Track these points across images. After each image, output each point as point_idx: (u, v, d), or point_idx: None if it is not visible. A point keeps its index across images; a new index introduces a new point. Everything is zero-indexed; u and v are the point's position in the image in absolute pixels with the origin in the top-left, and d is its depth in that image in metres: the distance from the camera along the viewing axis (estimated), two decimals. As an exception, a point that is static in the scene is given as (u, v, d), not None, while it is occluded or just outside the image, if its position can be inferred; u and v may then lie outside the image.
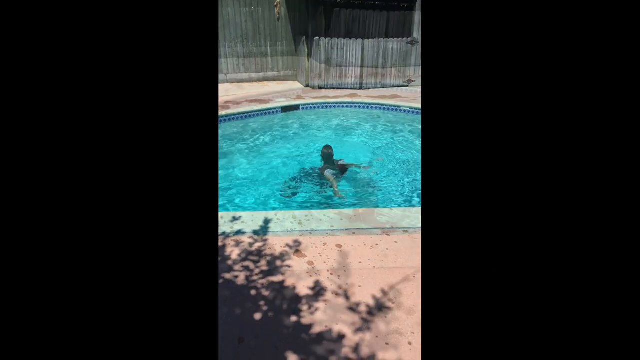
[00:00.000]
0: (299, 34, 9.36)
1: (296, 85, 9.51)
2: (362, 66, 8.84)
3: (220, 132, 6.27)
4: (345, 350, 1.89)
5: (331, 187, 4.15)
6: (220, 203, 4.04)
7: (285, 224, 3.03)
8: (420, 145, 5.28)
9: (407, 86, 9.23)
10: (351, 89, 9.04)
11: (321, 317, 2.09)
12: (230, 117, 6.63)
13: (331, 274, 2.46)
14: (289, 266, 2.52)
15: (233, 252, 2.65)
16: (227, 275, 2.42)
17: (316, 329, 2.01)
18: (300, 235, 2.88)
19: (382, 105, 7.67)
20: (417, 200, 4.05)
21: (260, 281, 2.37)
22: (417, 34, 8.89)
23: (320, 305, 2.19)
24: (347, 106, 7.79)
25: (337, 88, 9.00)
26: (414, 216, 3.19)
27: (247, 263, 2.53)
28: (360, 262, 2.57)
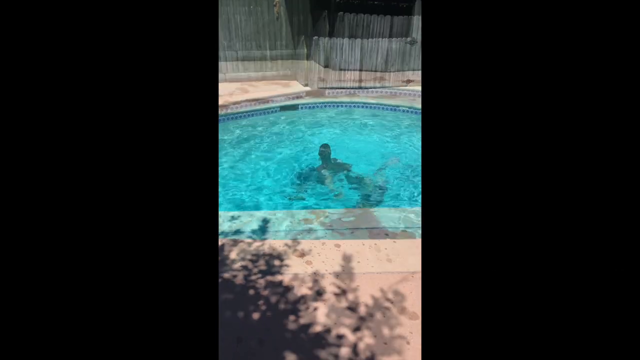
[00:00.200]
0: (298, 34, 9.13)
1: (295, 85, 9.29)
2: (361, 67, 8.58)
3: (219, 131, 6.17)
4: (346, 351, 1.89)
5: (330, 185, 4.08)
6: (219, 203, 4.00)
7: (284, 224, 3.03)
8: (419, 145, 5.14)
9: (406, 87, 8.96)
10: (351, 88, 8.81)
11: (322, 320, 2.08)
12: (229, 117, 6.61)
13: (331, 275, 2.44)
14: (288, 266, 2.50)
15: (231, 252, 2.64)
16: (226, 276, 2.42)
17: (317, 330, 2.01)
18: (299, 235, 2.90)
19: (382, 105, 7.58)
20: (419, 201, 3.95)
21: (259, 282, 2.36)
22: (418, 37, 8.61)
23: (320, 306, 2.17)
24: (347, 106, 7.71)
25: (337, 89, 8.79)
26: (414, 217, 3.20)
27: (246, 263, 2.52)
28: (359, 263, 2.55)
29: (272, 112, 7.09)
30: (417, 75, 8.80)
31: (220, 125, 6.20)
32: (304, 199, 4.01)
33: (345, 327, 2.04)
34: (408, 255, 2.61)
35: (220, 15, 8.57)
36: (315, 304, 2.18)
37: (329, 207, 3.81)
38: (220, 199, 3.94)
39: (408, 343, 1.95)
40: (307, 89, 7.24)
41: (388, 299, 2.24)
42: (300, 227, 2.97)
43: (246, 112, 6.81)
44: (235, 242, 2.72)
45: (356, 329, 2.03)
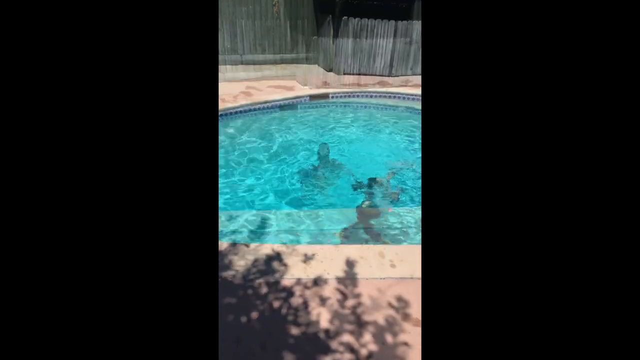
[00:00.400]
0: (322, 13, 9.10)
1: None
2: (392, 51, 8.58)
3: (243, 123, 6.13)
4: (348, 357, 1.86)
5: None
6: (231, 201, 3.98)
7: (287, 224, 3.04)
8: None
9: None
10: (380, 75, 8.76)
11: (325, 325, 2.07)
12: (255, 107, 6.49)
13: (334, 280, 2.42)
14: (290, 271, 2.48)
15: (234, 256, 2.63)
16: (228, 279, 2.40)
17: (319, 336, 2.00)
18: (302, 239, 2.93)
19: (414, 95, 7.39)
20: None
21: (262, 286, 2.34)
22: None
23: (322, 311, 2.16)
24: (379, 96, 7.56)
25: (364, 74, 8.74)
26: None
27: (248, 267, 2.51)
28: (362, 268, 2.53)
29: (300, 101, 7.05)
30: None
31: (242, 117, 6.17)
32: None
33: (348, 333, 2.02)
34: (412, 261, 2.59)
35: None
36: (317, 309, 2.17)
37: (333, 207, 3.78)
38: (231, 198, 3.93)
39: (411, 350, 1.93)
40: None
41: (392, 305, 2.22)
42: (305, 228, 2.94)
43: (270, 101, 6.74)
44: (238, 245, 2.71)
45: (359, 335, 2.01)
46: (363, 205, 3.79)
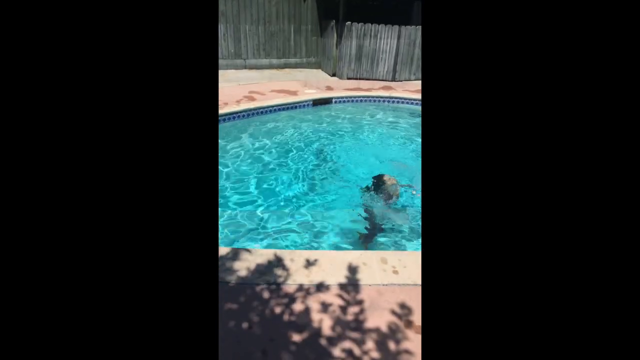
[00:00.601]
0: (325, 18, 9.17)
1: (321, 74, 9.32)
2: (396, 55, 8.59)
3: (247, 128, 6.12)
4: None
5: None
6: (239, 207, 3.96)
7: (292, 235, 3.01)
8: None
9: None
10: (383, 80, 8.78)
11: (327, 332, 2.05)
12: (257, 111, 6.49)
13: (336, 286, 2.40)
14: (293, 276, 2.47)
15: (236, 261, 2.61)
16: (230, 285, 2.39)
17: (321, 343, 1.98)
18: (305, 245, 2.89)
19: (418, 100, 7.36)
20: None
21: (264, 292, 2.33)
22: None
23: (324, 317, 2.14)
24: (383, 100, 7.56)
25: (368, 79, 8.76)
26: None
27: (250, 273, 2.49)
28: (365, 274, 2.51)
29: (303, 106, 7.07)
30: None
31: (246, 121, 6.18)
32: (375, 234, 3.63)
33: (351, 340, 2.00)
34: (415, 267, 2.57)
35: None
36: (319, 315, 2.15)
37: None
38: (239, 203, 3.92)
39: (414, 358, 1.91)
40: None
41: (394, 312, 2.20)
42: (308, 239, 2.92)
43: (275, 105, 6.73)
44: (239, 250, 2.69)
45: (361, 342, 1.99)
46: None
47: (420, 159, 5.14)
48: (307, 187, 4.39)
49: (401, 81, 8.85)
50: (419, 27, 8.46)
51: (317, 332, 2.04)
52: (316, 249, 3.21)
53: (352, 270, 2.52)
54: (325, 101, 7.33)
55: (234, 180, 4.41)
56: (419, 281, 2.44)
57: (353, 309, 2.21)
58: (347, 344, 1.98)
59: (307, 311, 2.18)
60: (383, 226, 3.56)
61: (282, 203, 4.00)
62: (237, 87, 7.55)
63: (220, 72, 8.58)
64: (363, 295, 2.32)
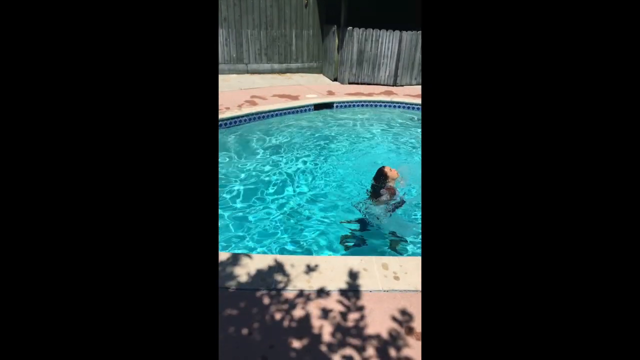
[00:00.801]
0: (327, 23, 9.20)
1: (323, 79, 9.35)
2: (397, 60, 8.61)
3: (248, 132, 6.12)
4: None
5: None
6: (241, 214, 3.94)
7: (292, 240, 3.02)
8: None
9: None
10: (384, 84, 8.80)
11: (327, 338, 2.04)
12: (259, 116, 6.51)
13: (336, 292, 2.39)
14: (293, 282, 2.46)
15: (236, 267, 2.60)
16: (230, 291, 2.38)
17: (322, 350, 1.97)
18: (305, 251, 2.87)
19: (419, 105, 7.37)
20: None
21: (264, 298, 2.32)
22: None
23: (325, 324, 2.13)
24: (384, 105, 7.56)
25: (369, 84, 8.79)
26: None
27: (250, 279, 2.48)
28: (366, 280, 2.49)
29: (304, 110, 7.08)
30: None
31: (248, 126, 6.21)
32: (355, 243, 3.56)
33: (351, 346, 1.99)
34: (416, 274, 2.55)
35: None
36: (320, 322, 2.14)
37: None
38: (240, 209, 3.92)
39: None
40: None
41: (395, 319, 2.18)
42: (308, 246, 2.91)
43: (276, 110, 6.75)
44: (240, 256, 2.68)
45: (362, 349, 1.98)
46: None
47: (419, 163, 5.14)
48: (307, 191, 4.39)
49: (402, 86, 8.85)
50: (420, 32, 8.49)
51: (317, 339, 2.03)
52: (317, 254, 3.20)
53: (353, 276, 2.51)
54: (327, 106, 7.33)
55: (234, 184, 4.41)
56: (420, 287, 2.42)
57: (353, 315, 2.20)
58: (347, 351, 1.96)
59: (307, 317, 2.17)
60: (383, 230, 3.55)
61: (282, 207, 3.99)
62: (239, 92, 7.58)
63: (222, 77, 8.62)
64: (364, 301, 2.31)
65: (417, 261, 2.71)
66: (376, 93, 8.07)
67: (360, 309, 2.25)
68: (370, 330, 2.10)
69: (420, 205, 3.79)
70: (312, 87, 8.38)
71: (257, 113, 6.45)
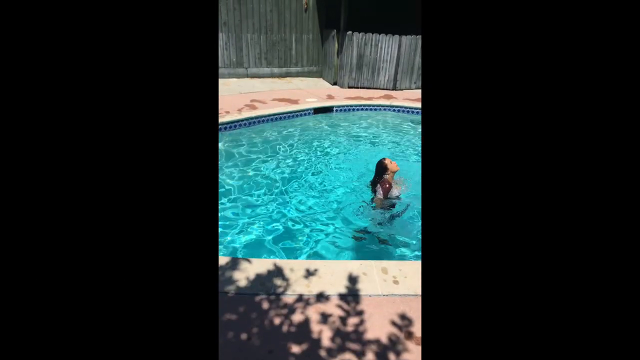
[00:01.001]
0: (327, 28, 9.24)
1: (323, 83, 9.37)
2: (397, 65, 8.65)
3: (248, 136, 6.13)
4: None
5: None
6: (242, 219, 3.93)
7: (291, 244, 2.99)
8: None
9: None
10: (384, 89, 8.83)
11: (326, 343, 2.03)
12: (259, 119, 6.51)
13: (336, 296, 2.38)
14: (292, 287, 2.45)
15: (235, 271, 2.59)
16: (229, 295, 2.37)
17: (321, 355, 1.96)
18: (304, 255, 2.85)
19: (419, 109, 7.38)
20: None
21: (263, 302, 2.31)
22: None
23: (324, 329, 2.12)
24: (384, 109, 7.59)
25: (369, 88, 8.81)
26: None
27: (249, 283, 2.47)
28: (365, 284, 2.48)
29: (305, 114, 7.10)
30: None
31: (249, 129, 6.23)
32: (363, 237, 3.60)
33: (350, 351, 1.98)
34: (416, 278, 2.55)
35: (243, 3, 8.70)
36: (319, 326, 2.13)
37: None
38: (242, 215, 3.92)
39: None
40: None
41: (395, 323, 2.17)
42: (307, 249, 2.90)
43: (276, 114, 6.77)
44: (239, 260, 2.68)
45: (361, 354, 1.97)
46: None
47: (419, 166, 5.13)
48: (307, 195, 4.38)
49: (402, 90, 8.88)
50: (420, 37, 8.52)
51: (317, 344, 2.02)
52: (316, 258, 3.20)
53: (352, 280, 2.51)
54: (327, 110, 7.34)
55: (233, 188, 4.41)
56: (420, 291, 2.42)
57: (353, 320, 2.19)
58: (346, 356, 1.96)
59: (306, 322, 2.16)
60: (384, 233, 3.54)
61: (282, 211, 3.99)
62: (238, 96, 7.59)
63: (222, 81, 8.64)
64: (363, 306, 2.30)
65: (416, 265, 2.70)
66: (376, 97, 8.08)
67: (360, 313, 2.24)
68: (369, 335, 2.10)
69: (419, 209, 3.79)
70: (312, 91, 8.40)
71: (256, 117, 6.46)
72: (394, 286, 2.46)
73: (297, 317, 2.19)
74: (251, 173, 4.83)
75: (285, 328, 2.12)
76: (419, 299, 2.36)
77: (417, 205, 3.85)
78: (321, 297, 2.36)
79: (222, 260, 2.66)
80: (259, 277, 2.51)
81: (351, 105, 7.56)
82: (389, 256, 3.27)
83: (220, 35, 8.62)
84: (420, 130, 6.70)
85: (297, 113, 6.98)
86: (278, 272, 2.56)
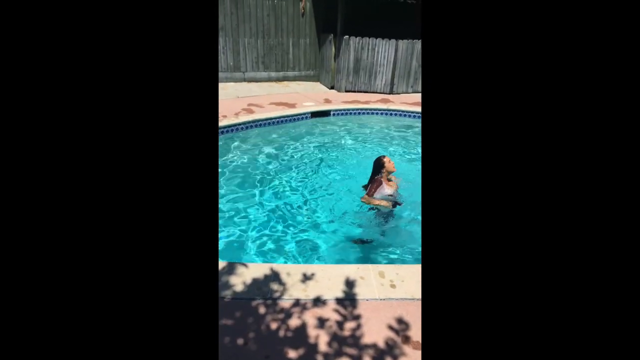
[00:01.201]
0: (324, 32, 9.27)
1: (320, 87, 9.39)
2: (393, 69, 8.69)
3: (245, 140, 6.13)
4: None
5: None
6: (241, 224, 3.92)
7: (288, 249, 2.98)
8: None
9: None
10: (381, 92, 8.86)
11: (323, 348, 2.02)
12: (256, 123, 6.51)
13: (333, 301, 2.37)
14: (289, 291, 2.44)
15: (232, 276, 2.58)
16: (226, 300, 2.37)
17: (318, 358, 1.93)
18: (301, 259, 2.84)
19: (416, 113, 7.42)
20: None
21: (259, 307, 2.30)
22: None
23: (321, 333, 2.11)
24: (381, 113, 7.61)
25: (366, 92, 8.84)
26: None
27: (246, 288, 2.46)
28: (362, 289, 2.48)
29: (302, 118, 7.12)
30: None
31: (246, 133, 6.22)
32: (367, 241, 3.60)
33: (347, 356, 1.98)
34: (413, 282, 2.54)
35: (240, 8, 8.73)
36: (316, 331, 2.12)
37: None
38: (241, 219, 3.91)
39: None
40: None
41: (392, 328, 2.17)
42: (304, 254, 2.89)
43: (274, 118, 6.77)
44: (235, 265, 2.67)
45: (358, 359, 1.96)
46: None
47: (419, 169, 5.14)
48: (304, 199, 4.38)
49: (398, 94, 8.91)
50: (417, 41, 8.56)
51: (314, 348, 2.01)
52: (313, 262, 3.19)
53: (349, 284, 2.50)
54: (324, 113, 7.35)
55: (231, 191, 4.40)
56: (417, 295, 2.41)
57: (350, 325, 2.18)
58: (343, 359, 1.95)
59: (303, 327, 2.16)
60: (380, 237, 3.54)
61: (279, 215, 3.98)
62: (236, 100, 7.59)
63: (220, 85, 8.64)
64: (360, 310, 2.29)
65: (413, 269, 2.70)
66: (373, 101, 8.11)
67: (357, 317, 2.24)
68: (366, 339, 2.09)
69: (416, 212, 3.79)
70: (309, 95, 8.42)
71: (254, 121, 6.46)
72: (391, 290, 2.46)
73: (294, 322, 2.18)
74: (248, 177, 4.83)
75: (282, 333, 2.11)
76: (417, 303, 2.36)
77: (413, 208, 3.85)
78: (318, 301, 2.35)
79: (219, 264, 2.65)
80: (255, 281, 2.50)
81: (348, 109, 7.57)
82: (386, 260, 3.26)
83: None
84: (416, 132, 6.73)
85: (295, 117, 6.98)
86: (275, 276, 2.55)
